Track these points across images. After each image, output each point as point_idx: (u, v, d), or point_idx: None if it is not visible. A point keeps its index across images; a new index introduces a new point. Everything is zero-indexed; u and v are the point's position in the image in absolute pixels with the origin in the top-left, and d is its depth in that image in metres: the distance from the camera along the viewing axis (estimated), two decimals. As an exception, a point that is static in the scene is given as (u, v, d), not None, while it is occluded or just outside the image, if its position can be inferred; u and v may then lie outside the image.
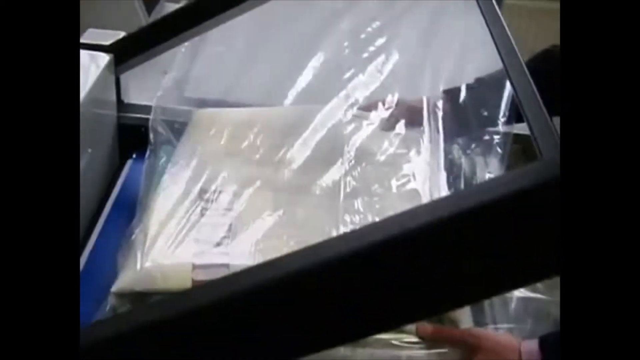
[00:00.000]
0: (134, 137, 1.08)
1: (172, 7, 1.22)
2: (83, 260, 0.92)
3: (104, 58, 1.01)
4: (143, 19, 1.46)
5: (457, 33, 1.11)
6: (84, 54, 0.99)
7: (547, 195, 0.43)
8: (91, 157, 0.99)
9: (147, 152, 0.99)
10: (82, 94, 0.92)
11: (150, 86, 1.12)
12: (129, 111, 1.11)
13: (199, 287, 0.62)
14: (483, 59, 1.01)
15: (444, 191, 0.90)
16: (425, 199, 0.86)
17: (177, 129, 1.01)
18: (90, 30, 1.08)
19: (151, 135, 1.00)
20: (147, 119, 1.04)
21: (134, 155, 1.09)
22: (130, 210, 0.92)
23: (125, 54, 1.04)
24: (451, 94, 1.03)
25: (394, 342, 0.77)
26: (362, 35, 1.13)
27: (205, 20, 1.02)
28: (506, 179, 0.44)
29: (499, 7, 0.81)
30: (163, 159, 0.96)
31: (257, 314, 0.47)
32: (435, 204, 0.49)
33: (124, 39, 1.05)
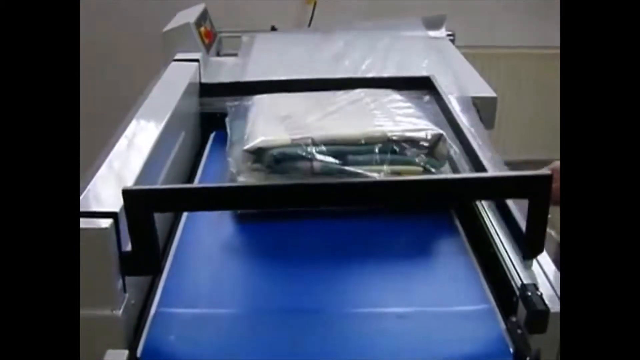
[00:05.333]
0: (210, 122, 1.65)
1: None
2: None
3: (196, 66, 1.58)
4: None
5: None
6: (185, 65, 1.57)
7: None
8: (184, 136, 1.53)
9: (228, 117, 1.52)
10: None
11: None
12: (205, 104, 1.67)
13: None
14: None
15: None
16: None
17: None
18: (180, 53, 1.66)
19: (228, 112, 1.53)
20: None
21: (214, 132, 1.64)
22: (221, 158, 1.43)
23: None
24: None
25: None
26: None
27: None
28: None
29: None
30: (241, 121, 1.48)
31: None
32: None
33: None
